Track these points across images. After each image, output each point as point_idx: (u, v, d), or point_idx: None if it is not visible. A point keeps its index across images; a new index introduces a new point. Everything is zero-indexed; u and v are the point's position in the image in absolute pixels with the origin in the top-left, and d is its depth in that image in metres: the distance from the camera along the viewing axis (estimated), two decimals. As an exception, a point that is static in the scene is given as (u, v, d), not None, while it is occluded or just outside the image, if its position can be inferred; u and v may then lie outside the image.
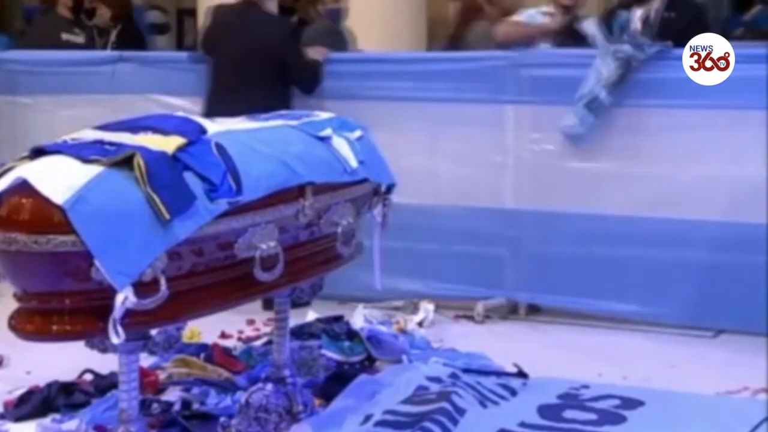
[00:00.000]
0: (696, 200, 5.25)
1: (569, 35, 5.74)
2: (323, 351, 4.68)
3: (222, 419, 3.89)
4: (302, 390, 3.95)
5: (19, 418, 4.15)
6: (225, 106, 5.20)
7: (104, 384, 4.32)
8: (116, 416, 3.25)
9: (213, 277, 3.23)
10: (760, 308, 5.03)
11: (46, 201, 2.83)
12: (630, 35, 5.47)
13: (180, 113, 3.58)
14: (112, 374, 3.98)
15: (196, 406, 4.16)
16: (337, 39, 6.64)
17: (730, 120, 5.17)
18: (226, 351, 4.79)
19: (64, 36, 7.60)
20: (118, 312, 2.85)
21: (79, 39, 7.60)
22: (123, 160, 2.97)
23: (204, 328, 4.86)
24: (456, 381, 4.27)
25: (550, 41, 5.79)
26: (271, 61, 5.69)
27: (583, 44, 5.63)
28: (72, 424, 3.99)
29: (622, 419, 4.06)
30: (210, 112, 5.21)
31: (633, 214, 5.35)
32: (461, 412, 3.98)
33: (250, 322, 5.36)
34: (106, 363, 3.79)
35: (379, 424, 3.88)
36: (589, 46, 5.62)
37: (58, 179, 2.87)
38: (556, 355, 5.00)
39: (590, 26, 5.79)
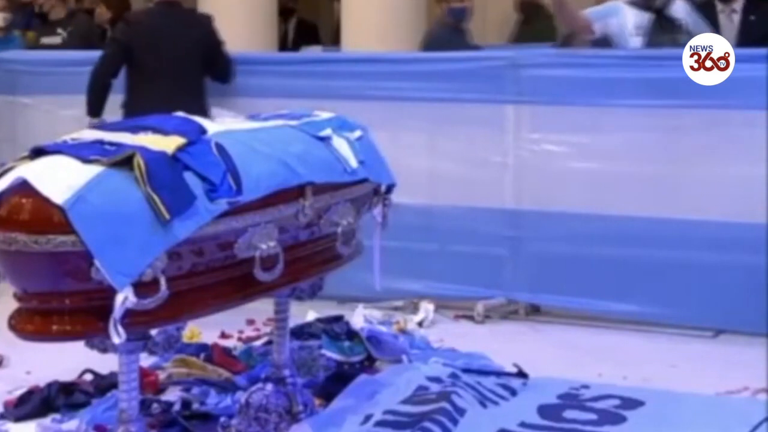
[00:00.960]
0: (696, 200, 5.25)
1: (659, 23, 5.58)
2: (323, 351, 4.67)
3: (222, 419, 3.89)
4: (302, 390, 3.95)
5: (19, 418, 4.15)
6: (155, 107, 5.37)
7: (104, 384, 4.32)
8: (116, 416, 3.25)
9: (213, 277, 3.23)
10: (760, 308, 5.03)
11: (46, 201, 2.83)
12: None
13: (180, 113, 3.58)
14: (112, 374, 3.98)
15: (196, 406, 4.16)
16: (459, 39, 6.64)
17: (730, 120, 5.17)
18: (226, 351, 4.79)
19: (43, 39, 7.61)
20: (118, 312, 2.85)
21: (56, 40, 7.58)
22: (123, 160, 2.97)
23: (204, 328, 4.87)
24: (456, 381, 4.27)
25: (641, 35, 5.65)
26: (202, 56, 5.88)
27: (673, 32, 5.45)
28: (72, 424, 3.99)
29: (622, 419, 4.06)
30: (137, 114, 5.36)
31: (633, 214, 5.35)
32: (461, 412, 3.98)
33: (250, 322, 5.36)
34: (106, 363, 3.79)
35: (379, 424, 3.88)
36: (680, 32, 5.48)
37: (58, 179, 2.87)
38: (556, 355, 5.01)
39: (680, 10, 5.66)
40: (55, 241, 2.81)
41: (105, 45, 6.33)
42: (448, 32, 6.68)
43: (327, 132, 3.77)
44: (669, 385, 4.47)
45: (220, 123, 3.61)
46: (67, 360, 4.22)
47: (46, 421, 4.10)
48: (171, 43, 5.83)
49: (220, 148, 3.25)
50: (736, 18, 5.73)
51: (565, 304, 5.58)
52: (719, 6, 5.77)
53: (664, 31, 5.38)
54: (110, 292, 2.85)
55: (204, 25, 6.01)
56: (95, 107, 5.92)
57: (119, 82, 5.92)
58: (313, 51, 8.56)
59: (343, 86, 5.82)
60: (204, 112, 5.45)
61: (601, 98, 5.40)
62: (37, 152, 3.03)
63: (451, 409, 3.96)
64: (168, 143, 3.12)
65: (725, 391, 4.45)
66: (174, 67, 5.81)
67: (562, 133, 5.52)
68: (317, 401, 4.09)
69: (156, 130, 3.21)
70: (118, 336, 2.87)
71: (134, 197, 2.93)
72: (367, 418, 3.93)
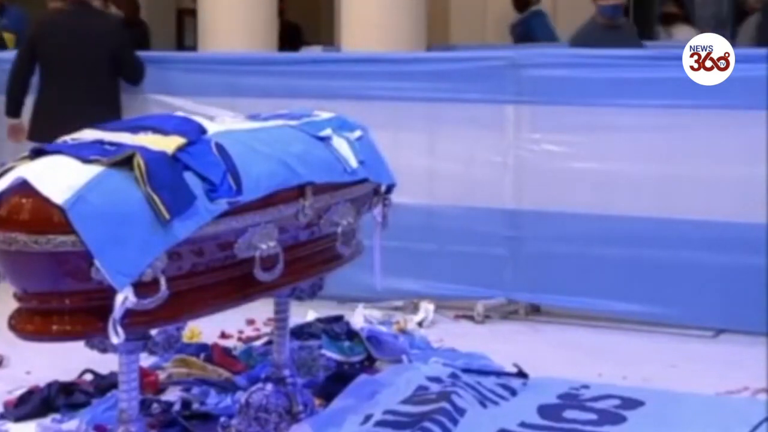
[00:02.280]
0: (696, 200, 5.26)
1: None
2: (323, 351, 4.67)
3: (222, 419, 3.89)
4: (302, 390, 3.95)
5: (19, 418, 4.15)
6: (58, 106, 5.69)
7: (104, 384, 4.32)
8: (116, 416, 3.24)
9: (213, 277, 3.23)
10: (760, 308, 5.03)
11: (46, 201, 2.83)
12: None
13: (180, 113, 3.58)
14: (112, 374, 3.98)
15: (196, 406, 4.16)
16: (612, 36, 6.54)
17: (730, 120, 5.18)
18: (226, 351, 4.79)
19: None
20: (118, 312, 2.85)
21: None
22: (123, 160, 2.97)
23: (204, 328, 4.87)
24: (456, 381, 4.27)
25: None
26: (107, 57, 5.91)
27: None
28: (72, 424, 3.99)
29: (622, 419, 4.06)
30: (45, 117, 5.62)
31: (633, 214, 5.35)
32: (461, 412, 3.98)
33: (250, 322, 5.36)
34: (106, 363, 3.79)
35: (379, 424, 3.88)
36: None
37: (58, 179, 2.87)
38: (556, 355, 5.01)
39: None
40: (55, 241, 2.81)
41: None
42: (597, 30, 6.61)
43: (327, 132, 3.77)
44: (669, 385, 4.47)
45: (220, 123, 3.61)
46: (67, 360, 4.22)
47: (46, 421, 4.10)
48: (73, 43, 5.87)
49: (220, 148, 3.25)
50: None
51: (565, 304, 5.58)
52: None
53: None
54: (110, 292, 2.85)
55: (109, 25, 6.07)
56: (11, 107, 6.02)
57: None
58: (313, 51, 8.56)
59: (343, 86, 5.82)
60: (109, 114, 5.41)
61: (601, 98, 5.41)
62: (37, 152, 3.03)
63: (451, 409, 3.96)
64: (168, 143, 3.12)
65: (725, 391, 4.45)
66: (76, 67, 5.85)
67: (562, 133, 5.52)
68: (317, 401, 4.09)
69: (156, 130, 3.20)
70: (117, 336, 2.87)
71: (134, 197, 2.93)
72: (367, 418, 3.93)
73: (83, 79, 5.85)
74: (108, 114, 5.39)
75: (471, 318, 5.66)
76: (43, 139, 5.26)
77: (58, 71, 5.89)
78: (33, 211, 2.84)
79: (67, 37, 5.90)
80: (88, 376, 4.45)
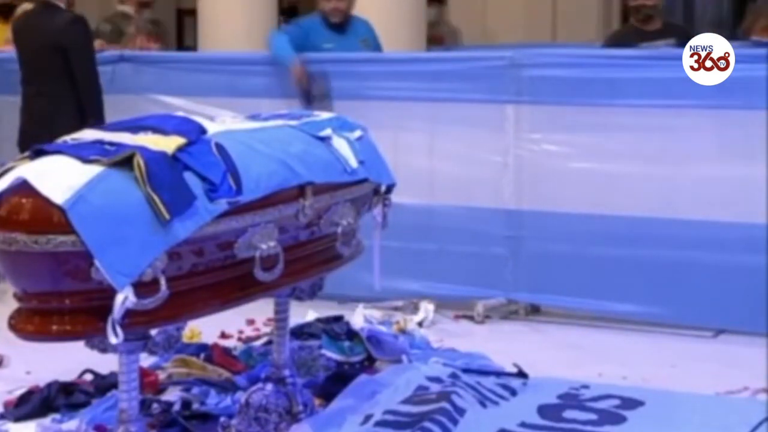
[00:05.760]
0: (696, 200, 5.26)
1: None
2: (323, 351, 4.68)
3: (222, 419, 3.89)
4: (302, 390, 3.95)
5: (19, 418, 4.15)
6: (23, 113, 5.67)
7: (104, 384, 4.32)
8: (116, 416, 3.24)
9: (213, 277, 3.22)
10: (760, 308, 5.03)
11: (46, 201, 2.83)
12: None
13: (180, 113, 3.58)
14: (112, 374, 3.98)
15: (196, 406, 4.16)
16: None
17: (730, 120, 5.18)
18: (226, 351, 4.79)
19: None
20: (117, 312, 2.85)
21: None
22: (123, 160, 2.97)
23: (204, 328, 4.87)
24: (456, 381, 4.27)
25: None
26: (59, 55, 5.63)
27: None
28: (72, 424, 3.99)
29: (622, 419, 4.06)
30: (22, 124, 5.64)
31: (633, 214, 5.36)
32: (461, 412, 3.98)
33: (250, 322, 5.37)
34: (106, 363, 3.79)
35: (379, 424, 3.88)
36: None
37: (58, 179, 2.87)
38: (556, 355, 5.01)
39: None
40: (55, 241, 2.81)
41: None
42: None
43: (327, 132, 3.77)
44: (669, 385, 4.47)
45: (220, 123, 3.62)
46: (67, 360, 4.22)
47: (46, 421, 4.10)
48: (33, 44, 5.76)
49: (220, 148, 3.25)
50: None
51: (565, 304, 5.59)
52: None
53: None
54: (110, 292, 2.85)
55: (60, 22, 5.70)
56: None
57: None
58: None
59: (343, 86, 5.82)
60: (65, 117, 5.38)
61: (601, 98, 5.41)
62: (37, 152, 3.03)
63: (451, 409, 3.96)
64: (168, 143, 3.12)
65: (725, 391, 4.45)
66: (29, 71, 5.77)
67: (562, 133, 5.53)
68: (317, 401, 4.09)
69: (156, 130, 3.20)
70: (115, 336, 2.87)
71: (134, 197, 2.93)
72: (367, 418, 3.93)
73: (32, 85, 5.75)
74: (65, 117, 5.40)
75: (471, 318, 5.66)
76: (25, 146, 5.26)
77: (25, 74, 5.82)
78: (33, 211, 2.84)
79: (29, 39, 5.79)
80: (88, 376, 4.45)
